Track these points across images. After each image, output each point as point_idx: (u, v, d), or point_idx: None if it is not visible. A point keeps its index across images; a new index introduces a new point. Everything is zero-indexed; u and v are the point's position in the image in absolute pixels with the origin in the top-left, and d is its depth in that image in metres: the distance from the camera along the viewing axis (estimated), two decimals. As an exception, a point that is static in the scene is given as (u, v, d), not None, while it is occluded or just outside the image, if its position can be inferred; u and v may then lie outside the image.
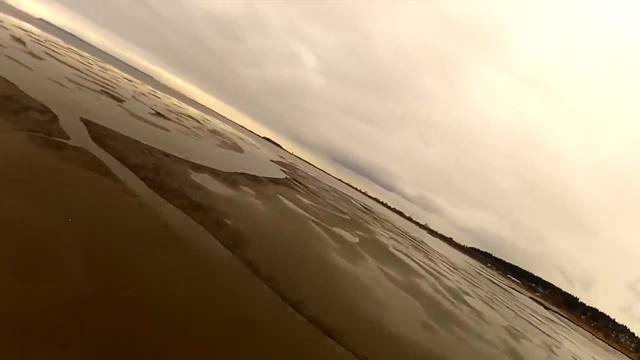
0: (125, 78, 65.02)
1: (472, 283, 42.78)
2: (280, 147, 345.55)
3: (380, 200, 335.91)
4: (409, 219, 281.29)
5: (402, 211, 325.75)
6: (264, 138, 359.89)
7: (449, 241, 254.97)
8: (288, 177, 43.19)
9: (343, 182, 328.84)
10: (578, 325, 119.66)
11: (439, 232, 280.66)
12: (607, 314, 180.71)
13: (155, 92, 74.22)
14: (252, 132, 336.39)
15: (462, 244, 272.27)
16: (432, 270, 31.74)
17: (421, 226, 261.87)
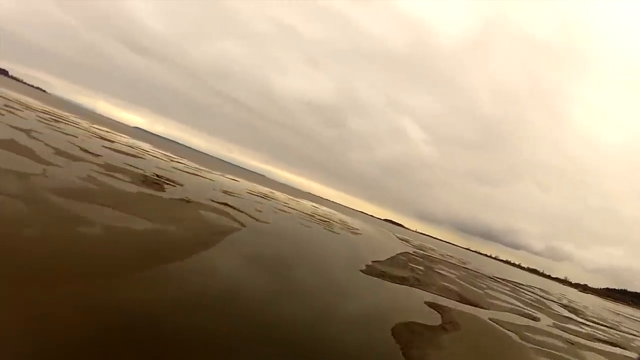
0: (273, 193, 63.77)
1: None
2: (403, 226, 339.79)
3: (512, 262, 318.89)
4: (543, 274, 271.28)
5: (536, 268, 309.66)
6: (385, 220, 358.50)
7: (584, 287, 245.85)
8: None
9: (472, 250, 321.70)
10: None
11: (572, 282, 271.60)
12: None
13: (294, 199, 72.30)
14: (372, 216, 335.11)
15: (595, 286, 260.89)
16: None
17: (559, 280, 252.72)
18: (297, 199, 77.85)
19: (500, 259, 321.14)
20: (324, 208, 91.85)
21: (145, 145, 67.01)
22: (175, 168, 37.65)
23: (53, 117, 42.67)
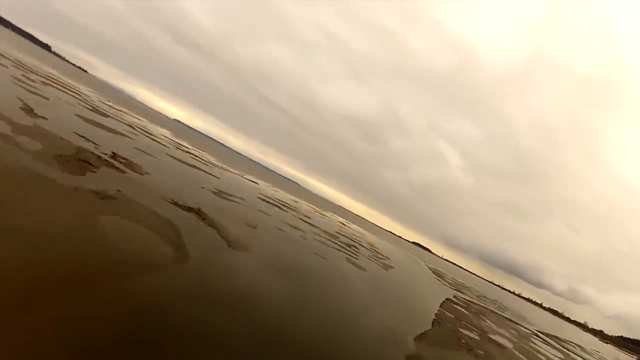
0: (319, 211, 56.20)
1: None
2: (430, 251, 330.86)
3: (534, 301, 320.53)
4: (563, 316, 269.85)
5: (557, 309, 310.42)
6: (414, 243, 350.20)
7: (601, 335, 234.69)
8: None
9: (494, 284, 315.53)
10: None
11: (589, 326, 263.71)
12: None
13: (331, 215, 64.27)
14: (400, 237, 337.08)
15: (611, 333, 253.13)
16: None
17: (577, 324, 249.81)
18: (324, 213, 68.75)
19: (524, 296, 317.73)
20: (353, 226, 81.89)
21: (166, 132, 61.35)
22: (172, 156, 30.24)
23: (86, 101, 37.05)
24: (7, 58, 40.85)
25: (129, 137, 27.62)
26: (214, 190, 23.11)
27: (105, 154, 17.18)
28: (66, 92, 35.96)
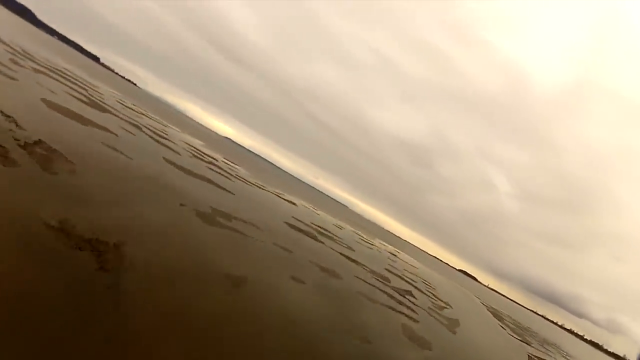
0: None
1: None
2: (476, 279, 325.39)
3: (575, 332, 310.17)
4: (602, 348, 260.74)
5: (597, 342, 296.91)
6: (460, 270, 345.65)
7: None
8: None
9: (537, 313, 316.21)
10: None
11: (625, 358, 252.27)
12: None
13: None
14: (447, 264, 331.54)
15: None
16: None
17: (616, 356, 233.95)
18: (371, 241, 59.51)
19: (566, 327, 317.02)
20: (404, 256, 71.13)
21: (198, 143, 57.13)
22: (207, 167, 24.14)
23: (154, 130, 33.56)
24: (56, 71, 38.69)
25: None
26: (209, 208, 15.89)
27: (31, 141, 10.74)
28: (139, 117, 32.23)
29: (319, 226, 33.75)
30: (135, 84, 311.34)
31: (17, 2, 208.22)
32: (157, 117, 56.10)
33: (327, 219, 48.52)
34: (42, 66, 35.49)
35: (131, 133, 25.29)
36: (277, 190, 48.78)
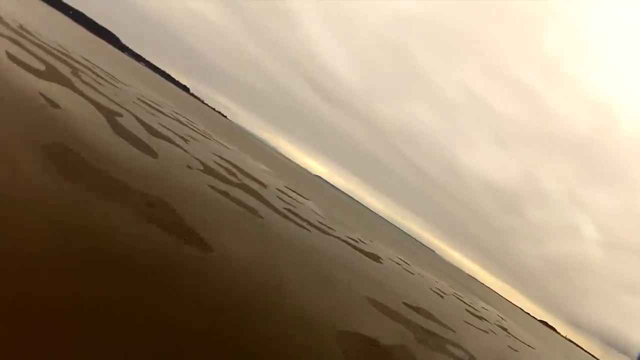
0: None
1: None
2: (555, 330, 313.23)
3: None
4: None
5: None
6: (540, 321, 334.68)
7: None
8: None
9: None
10: None
11: None
12: None
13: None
14: (528, 314, 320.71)
15: None
16: None
17: None
18: (476, 304, 49.28)
19: None
20: (515, 327, 57.67)
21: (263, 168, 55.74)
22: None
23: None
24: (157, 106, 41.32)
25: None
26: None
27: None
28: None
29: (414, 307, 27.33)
30: (225, 116, 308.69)
31: (101, 26, 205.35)
32: (266, 168, 56.52)
33: (424, 283, 41.23)
34: (138, 99, 37.63)
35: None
36: (358, 237, 43.56)
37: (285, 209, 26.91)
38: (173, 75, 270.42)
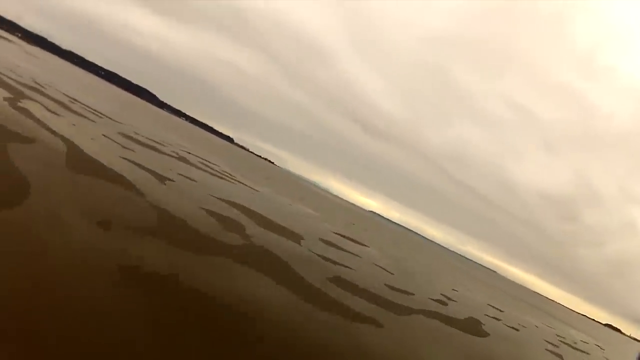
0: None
1: None
2: (620, 331, 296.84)
3: None
4: None
5: None
6: (606, 325, 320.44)
7: None
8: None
9: None
10: None
11: None
12: None
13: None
14: (593, 320, 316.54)
15: None
16: None
17: None
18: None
19: None
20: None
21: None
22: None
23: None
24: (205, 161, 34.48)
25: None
26: None
27: None
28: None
29: None
30: (272, 162, 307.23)
31: (136, 85, 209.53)
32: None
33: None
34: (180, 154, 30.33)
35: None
36: (441, 294, 31.02)
37: (332, 277, 15.98)
38: (215, 127, 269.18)
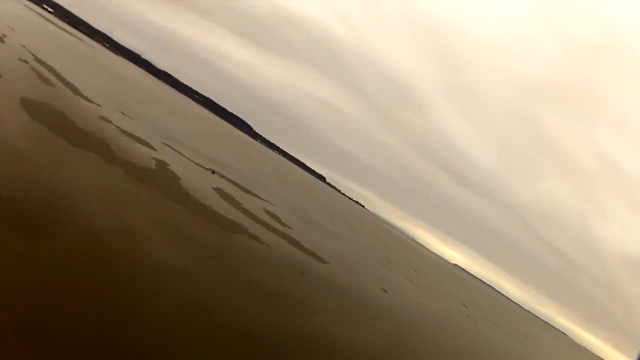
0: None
1: None
2: None
3: None
4: None
5: None
6: None
7: None
8: None
9: None
10: None
11: None
12: None
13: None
14: None
15: None
16: None
17: None
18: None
19: None
20: None
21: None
22: None
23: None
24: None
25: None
26: None
27: None
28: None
29: None
30: (363, 206, 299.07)
31: (231, 113, 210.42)
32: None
33: None
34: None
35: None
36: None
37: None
38: (308, 164, 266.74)
